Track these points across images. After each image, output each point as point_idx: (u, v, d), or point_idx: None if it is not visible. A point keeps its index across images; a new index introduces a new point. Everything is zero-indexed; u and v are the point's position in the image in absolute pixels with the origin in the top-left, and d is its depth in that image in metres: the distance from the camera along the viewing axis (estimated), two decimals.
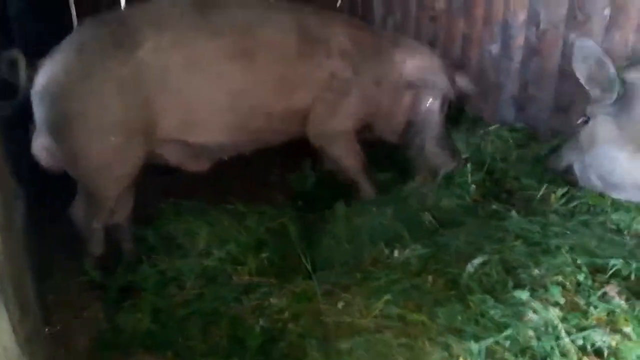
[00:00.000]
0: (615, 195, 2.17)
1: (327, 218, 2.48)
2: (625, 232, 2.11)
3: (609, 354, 1.51)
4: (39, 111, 2.16)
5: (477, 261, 1.85)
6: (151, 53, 2.18)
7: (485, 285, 1.81)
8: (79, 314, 2.07)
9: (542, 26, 2.97)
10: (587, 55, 2.02)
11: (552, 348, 1.51)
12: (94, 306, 2.11)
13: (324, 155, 2.83)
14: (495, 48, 3.27)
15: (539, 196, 2.40)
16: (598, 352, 1.52)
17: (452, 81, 2.84)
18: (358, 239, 2.21)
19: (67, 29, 2.49)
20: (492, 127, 3.06)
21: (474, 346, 1.50)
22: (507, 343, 1.53)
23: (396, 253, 2.03)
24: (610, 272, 1.81)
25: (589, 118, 2.13)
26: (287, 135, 2.67)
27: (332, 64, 2.55)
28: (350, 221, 2.33)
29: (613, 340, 1.53)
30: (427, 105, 2.78)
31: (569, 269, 1.78)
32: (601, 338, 1.53)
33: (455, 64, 3.14)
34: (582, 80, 2.06)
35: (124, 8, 3.14)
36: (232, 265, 2.11)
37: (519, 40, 3.12)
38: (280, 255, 2.18)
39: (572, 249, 1.92)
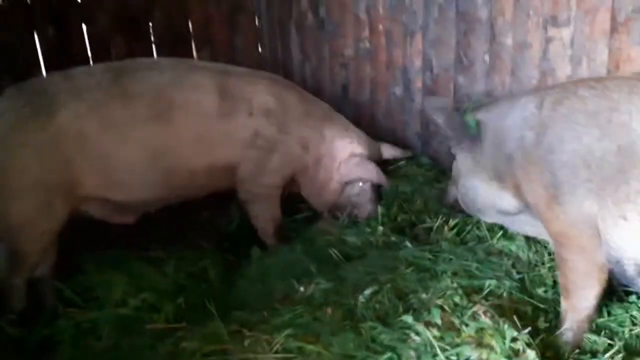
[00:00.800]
0: (482, 218, 2.50)
1: (244, 260, 2.63)
2: (505, 256, 2.39)
3: None
4: None
5: (367, 291, 2.05)
6: (69, 119, 2.32)
7: (378, 312, 2.01)
8: None
9: (434, 71, 3.32)
10: (438, 106, 2.37)
11: None
12: None
13: (245, 209, 2.95)
14: (398, 90, 3.60)
15: (435, 227, 2.67)
16: None
17: (379, 157, 3.06)
18: (269, 278, 2.37)
19: None
20: (401, 163, 3.34)
21: None
22: None
23: (302, 288, 2.20)
24: (486, 291, 2.06)
25: (453, 154, 2.44)
26: (215, 188, 2.79)
27: (255, 122, 2.68)
28: (263, 262, 2.50)
29: (482, 353, 1.75)
30: (358, 190, 2.99)
31: (449, 292, 2.02)
32: (471, 353, 1.75)
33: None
34: (441, 126, 2.37)
35: (44, 76, 3.21)
36: (148, 313, 2.21)
37: (418, 83, 3.46)
38: (196, 299, 2.30)
39: (454, 274, 2.17)
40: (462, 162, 2.34)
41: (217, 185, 2.76)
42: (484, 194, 2.27)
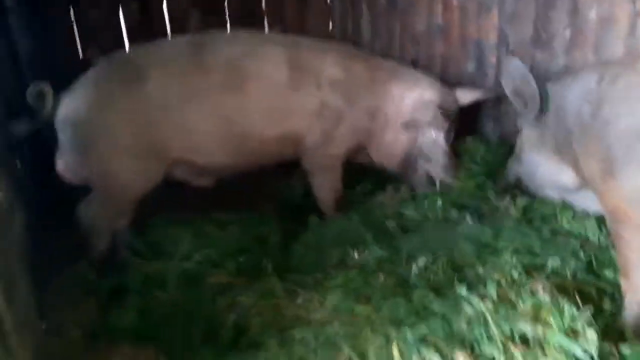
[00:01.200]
0: (540, 194, 2.42)
1: (302, 228, 2.70)
2: (573, 237, 2.26)
3: (533, 342, 1.67)
4: (63, 136, 2.54)
5: (421, 261, 2.04)
6: (156, 88, 2.52)
7: (431, 282, 2.00)
8: (74, 310, 2.30)
9: (511, 46, 3.17)
10: (513, 71, 2.22)
11: (480, 335, 1.68)
12: (88, 304, 2.34)
13: (309, 179, 3.02)
14: (471, 66, 3.48)
15: (500, 206, 2.58)
16: (524, 339, 1.68)
17: (455, 102, 2.95)
18: (324, 245, 2.41)
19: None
20: (468, 139, 3.24)
21: (409, 333, 1.68)
22: (440, 330, 1.71)
23: (356, 255, 2.22)
24: (548, 270, 1.98)
25: (518, 129, 2.34)
26: (282, 157, 2.91)
27: (322, 94, 2.75)
28: (320, 230, 2.54)
29: (537, 329, 1.69)
30: (430, 140, 2.88)
31: (508, 268, 1.95)
32: (526, 327, 1.69)
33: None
34: (509, 95, 2.27)
35: (131, 49, 3.46)
36: (211, 268, 2.33)
37: (492, 58, 3.32)
38: (255, 259, 2.39)
39: (516, 251, 2.09)
40: (527, 136, 2.27)
41: (285, 154, 2.86)
42: (545, 168, 2.22)
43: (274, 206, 3.17)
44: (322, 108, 2.75)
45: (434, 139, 2.88)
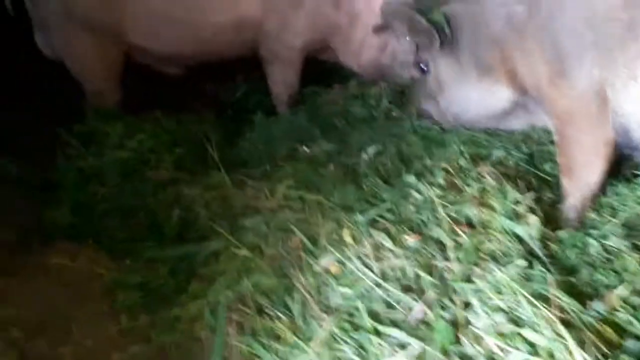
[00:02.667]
0: (470, 127, 2.25)
1: (248, 126, 2.59)
2: (514, 133, 2.31)
3: (478, 224, 1.73)
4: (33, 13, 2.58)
5: (371, 150, 2.02)
6: None
7: (381, 172, 2.00)
8: (4, 209, 2.12)
9: None
10: (394, 12, 2.09)
11: (428, 219, 1.72)
12: (19, 203, 2.17)
13: (264, 70, 2.88)
14: None
15: None
16: (469, 223, 1.74)
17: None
18: (272, 140, 2.33)
19: None
20: None
21: (360, 218, 1.69)
22: (389, 215, 1.73)
23: (306, 149, 2.17)
24: (493, 159, 2.03)
25: (425, 65, 2.20)
26: (241, 47, 2.73)
27: None
28: (266, 127, 2.45)
29: (482, 213, 1.75)
30: (405, 47, 2.62)
31: (454, 157, 1.98)
32: (472, 211, 1.74)
33: None
34: (405, 35, 2.14)
35: None
36: (148, 160, 2.20)
37: None
38: (195, 153, 2.28)
39: (463, 143, 2.12)
40: (443, 71, 2.13)
41: (242, 42, 2.71)
42: (475, 97, 2.08)
43: (215, 108, 3.01)
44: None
45: (409, 46, 2.62)
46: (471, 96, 2.11)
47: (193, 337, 1.50)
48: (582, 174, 1.91)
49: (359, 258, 1.60)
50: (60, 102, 2.65)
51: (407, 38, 2.16)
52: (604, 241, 1.76)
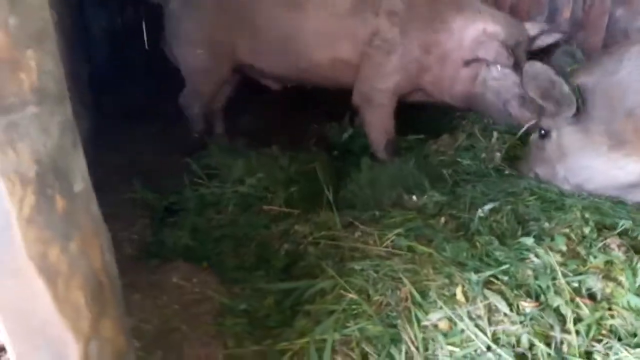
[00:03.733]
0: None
1: (353, 168, 2.65)
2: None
3: (601, 298, 1.62)
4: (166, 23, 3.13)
5: (487, 207, 1.98)
6: None
7: (495, 231, 1.94)
8: (129, 227, 2.33)
9: (588, 1, 2.97)
10: (536, 74, 2.07)
11: (547, 287, 1.64)
12: (142, 222, 2.37)
13: (360, 116, 3.04)
14: (540, 20, 3.28)
15: None
16: (592, 295, 1.63)
17: (522, 34, 2.76)
18: (379, 185, 2.36)
19: None
20: None
21: (474, 277, 1.64)
22: (505, 278, 1.67)
23: (414, 198, 2.17)
24: (619, 229, 1.90)
25: (546, 131, 2.18)
26: (336, 82, 2.94)
27: (377, 22, 2.71)
28: (373, 171, 2.49)
29: (607, 287, 1.63)
30: (495, 75, 2.72)
31: (577, 223, 1.88)
32: (595, 283, 1.63)
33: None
34: (537, 98, 2.11)
35: None
36: (264, 195, 2.32)
37: (566, 13, 3.12)
38: (307, 191, 2.36)
39: (584, 208, 2.01)
40: (569, 139, 2.10)
41: (337, 79, 2.91)
42: (602, 168, 2.04)
43: (321, 147, 3.14)
44: (375, 36, 2.72)
45: (502, 75, 2.71)
46: (598, 167, 2.07)
47: None
48: None
49: (471, 318, 1.55)
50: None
51: (539, 101, 2.13)
52: None
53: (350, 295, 1.67)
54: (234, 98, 3.50)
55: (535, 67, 2.09)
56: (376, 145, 2.93)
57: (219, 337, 1.75)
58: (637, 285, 1.63)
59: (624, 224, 1.92)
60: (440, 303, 1.59)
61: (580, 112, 2.04)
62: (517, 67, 2.68)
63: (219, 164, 2.51)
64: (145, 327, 1.77)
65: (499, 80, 2.70)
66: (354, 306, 1.65)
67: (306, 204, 2.29)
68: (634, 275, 1.65)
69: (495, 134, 2.77)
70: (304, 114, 3.41)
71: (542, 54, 2.93)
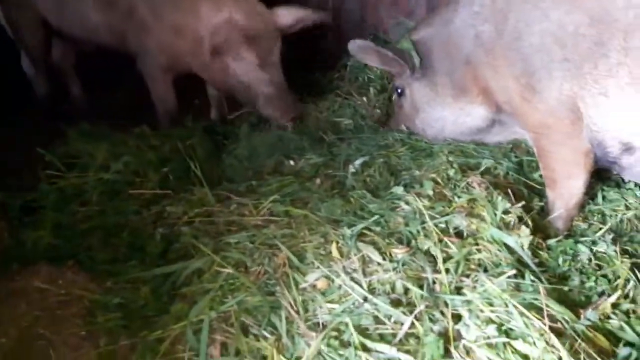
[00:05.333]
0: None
1: (233, 139, 2.56)
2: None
3: (467, 235, 1.70)
4: None
5: (358, 162, 1.99)
6: None
7: (368, 185, 1.97)
8: None
9: None
10: (359, 49, 2.14)
11: (417, 231, 1.69)
12: None
13: None
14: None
15: None
16: (458, 233, 1.71)
17: (270, 23, 2.60)
18: (258, 155, 2.30)
19: None
20: None
21: (347, 232, 1.65)
22: (378, 229, 1.69)
23: (292, 162, 2.14)
24: (482, 169, 2.00)
25: (401, 89, 2.27)
26: (124, 49, 2.90)
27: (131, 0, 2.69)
28: (252, 141, 2.41)
29: (472, 223, 1.71)
30: (242, 68, 2.55)
31: (443, 167, 1.95)
32: (461, 222, 1.71)
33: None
34: (379, 66, 2.24)
35: None
36: (132, 180, 2.15)
37: None
38: (182, 171, 2.23)
39: (450, 152, 2.09)
40: (418, 95, 2.18)
41: (124, 46, 2.90)
42: (451, 118, 2.13)
43: (204, 122, 2.98)
44: (132, 14, 2.71)
45: (246, 69, 2.55)
46: (448, 117, 2.15)
47: (175, 359, 1.44)
48: (564, 185, 1.91)
49: (347, 273, 1.55)
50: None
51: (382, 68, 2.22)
52: (594, 248, 1.74)
53: (227, 270, 1.60)
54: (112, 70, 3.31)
55: (356, 44, 2.12)
56: (159, 113, 2.92)
57: (90, 338, 1.61)
58: (498, 218, 1.73)
59: (486, 163, 2.03)
60: (317, 263, 1.58)
61: (421, 67, 2.10)
62: (266, 59, 2.56)
63: (79, 151, 2.28)
64: (2, 341, 1.58)
65: (245, 74, 2.56)
66: (231, 281, 1.59)
67: (182, 184, 2.16)
68: (495, 209, 1.74)
69: (372, 90, 2.81)
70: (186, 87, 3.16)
71: None
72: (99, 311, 1.68)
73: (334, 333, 1.43)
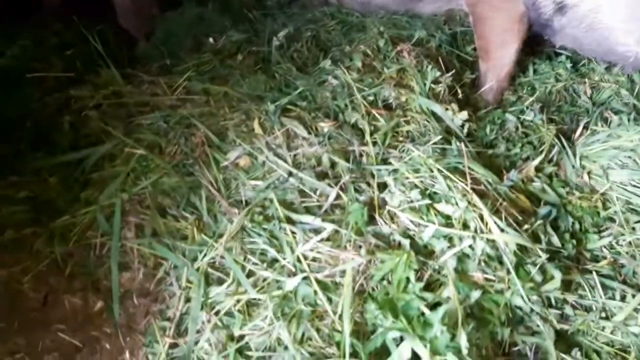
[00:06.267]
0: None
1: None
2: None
3: (396, 106, 1.63)
4: None
5: (282, 33, 1.84)
6: None
7: (296, 61, 1.83)
8: None
9: None
10: None
11: (345, 105, 1.60)
12: None
13: None
14: None
15: None
16: (387, 106, 1.64)
17: None
18: (175, 36, 2.08)
19: None
20: None
21: (271, 107, 1.54)
22: (304, 103, 1.59)
23: (211, 40, 1.95)
24: (413, 41, 1.90)
25: None
26: None
27: None
28: (170, 22, 2.17)
29: (401, 95, 1.64)
30: None
31: (373, 40, 1.83)
32: (390, 93, 1.63)
33: None
34: None
35: None
36: (34, 65, 1.91)
37: None
38: (87, 55, 1.99)
39: (384, 25, 1.96)
40: None
41: None
42: None
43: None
44: None
45: None
46: None
47: (87, 244, 1.35)
48: (497, 55, 1.87)
49: (270, 148, 1.47)
50: None
51: None
52: (521, 117, 1.73)
53: (139, 152, 1.48)
54: None
55: None
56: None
57: None
58: (427, 88, 1.67)
59: (419, 34, 1.93)
60: (238, 141, 1.48)
61: None
62: None
63: None
64: None
65: None
66: (144, 163, 1.47)
67: (88, 69, 1.93)
68: (424, 79, 1.67)
69: None
70: None
71: None
72: (4, 206, 1.53)
73: (258, 209, 1.37)
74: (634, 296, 1.25)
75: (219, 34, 2.04)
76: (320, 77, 1.70)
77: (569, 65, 2.08)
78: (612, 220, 1.40)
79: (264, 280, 1.25)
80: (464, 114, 1.63)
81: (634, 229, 1.36)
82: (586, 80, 2.00)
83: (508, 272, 1.20)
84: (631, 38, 1.59)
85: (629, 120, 1.67)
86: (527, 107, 1.79)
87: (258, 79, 1.67)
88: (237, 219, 1.33)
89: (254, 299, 1.23)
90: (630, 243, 1.34)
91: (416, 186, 1.36)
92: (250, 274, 1.27)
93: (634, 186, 1.42)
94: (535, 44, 2.07)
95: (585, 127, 1.69)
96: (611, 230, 1.37)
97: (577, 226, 1.39)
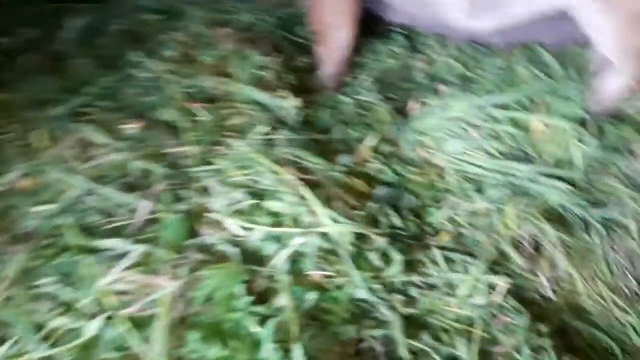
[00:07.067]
0: None
1: None
2: None
3: (219, 98, 1.44)
4: None
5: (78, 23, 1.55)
6: None
7: (102, 58, 1.55)
8: None
9: None
10: None
11: (158, 101, 1.37)
12: None
13: None
14: None
15: None
16: (208, 98, 1.44)
17: None
18: None
19: None
20: None
21: (58, 112, 1.26)
22: (102, 103, 1.34)
23: None
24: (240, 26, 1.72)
25: None
26: None
27: None
28: None
29: (222, 84, 1.45)
30: None
31: (192, 27, 1.63)
32: (209, 83, 1.44)
33: None
34: None
35: None
36: None
37: None
38: None
39: (205, 11, 1.76)
40: None
41: None
42: None
43: None
44: None
45: None
46: None
47: None
48: (333, 38, 1.77)
49: (60, 163, 1.19)
50: None
51: None
52: (357, 97, 1.63)
53: None
54: None
55: None
56: None
57: None
58: (253, 76, 1.50)
59: (245, 18, 1.75)
60: (15, 160, 1.18)
61: None
62: None
63: None
64: None
65: None
66: None
67: None
68: (248, 66, 1.50)
69: None
70: None
71: None
72: None
73: (47, 241, 1.09)
74: (477, 267, 1.19)
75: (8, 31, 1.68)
76: (126, 72, 1.45)
77: (405, 43, 2.05)
78: (449, 192, 1.34)
79: (57, 330, 0.99)
80: (297, 101, 1.50)
81: (470, 196, 1.32)
82: (421, 56, 1.98)
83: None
84: (462, 13, 1.63)
85: (460, 90, 1.65)
86: (363, 88, 1.70)
87: (45, 80, 1.37)
88: (18, 258, 1.05)
89: (46, 357, 0.97)
90: (469, 213, 1.29)
91: (242, 185, 1.19)
92: (40, 327, 1.00)
93: (467, 154, 1.39)
94: (372, 24, 2.01)
95: (421, 103, 1.64)
96: (449, 202, 1.31)
97: (417, 202, 1.31)
